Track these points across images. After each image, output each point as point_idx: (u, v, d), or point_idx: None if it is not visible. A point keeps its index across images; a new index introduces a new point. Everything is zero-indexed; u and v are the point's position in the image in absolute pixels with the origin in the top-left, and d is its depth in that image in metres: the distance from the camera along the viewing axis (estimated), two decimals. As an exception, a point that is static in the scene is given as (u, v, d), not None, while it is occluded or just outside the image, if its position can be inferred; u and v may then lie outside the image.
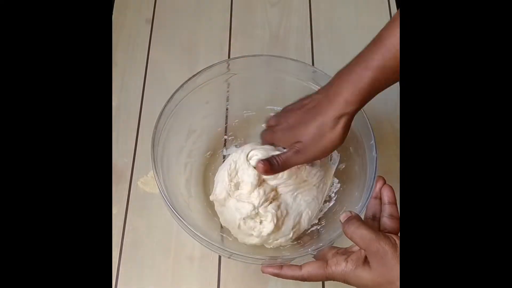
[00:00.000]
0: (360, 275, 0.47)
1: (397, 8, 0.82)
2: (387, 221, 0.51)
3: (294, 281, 0.59)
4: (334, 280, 0.49)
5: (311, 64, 0.76)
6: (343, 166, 0.65)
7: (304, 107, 0.56)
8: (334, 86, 0.53)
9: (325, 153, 0.56)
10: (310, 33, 0.80)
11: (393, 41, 0.49)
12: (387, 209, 0.52)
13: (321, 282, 0.61)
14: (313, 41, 0.79)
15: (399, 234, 0.48)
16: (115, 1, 0.81)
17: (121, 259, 0.62)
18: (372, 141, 0.58)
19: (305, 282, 0.52)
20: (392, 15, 0.81)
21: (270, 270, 0.53)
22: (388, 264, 0.45)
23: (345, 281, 0.49)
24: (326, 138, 0.54)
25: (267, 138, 0.61)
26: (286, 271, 0.52)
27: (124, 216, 0.65)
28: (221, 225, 0.63)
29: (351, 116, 0.53)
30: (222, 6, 0.82)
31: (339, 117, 0.53)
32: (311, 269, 0.50)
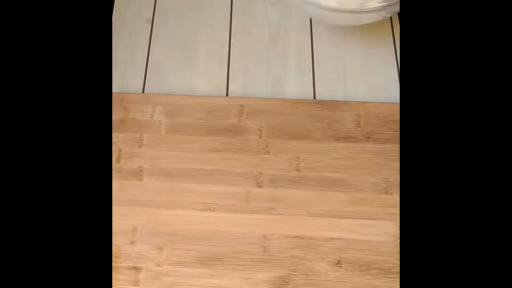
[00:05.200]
0: None
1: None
2: None
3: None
4: None
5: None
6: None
7: None
8: None
9: None
10: (310, 33, 0.80)
11: None
12: None
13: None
14: (313, 41, 0.79)
15: None
16: (115, 1, 0.81)
17: (121, 259, 0.62)
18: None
19: None
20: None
21: None
22: None
23: None
24: None
25: None
26: None
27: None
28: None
29: None
30: (222, 6, 0.82)
31: None
32: None
